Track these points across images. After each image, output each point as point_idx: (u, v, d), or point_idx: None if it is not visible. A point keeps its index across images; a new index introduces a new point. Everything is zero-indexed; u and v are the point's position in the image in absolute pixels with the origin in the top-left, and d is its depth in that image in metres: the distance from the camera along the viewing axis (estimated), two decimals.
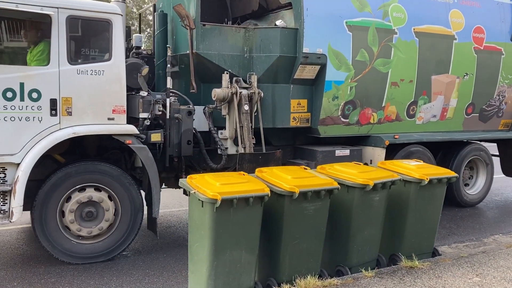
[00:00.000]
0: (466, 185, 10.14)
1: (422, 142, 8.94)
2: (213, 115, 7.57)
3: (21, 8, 5.82)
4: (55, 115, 6.07)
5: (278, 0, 7.99)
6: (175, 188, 8.08)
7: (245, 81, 7.51)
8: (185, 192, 7.77)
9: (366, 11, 8.00)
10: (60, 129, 6.10)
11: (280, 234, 5.07)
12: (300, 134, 8.34)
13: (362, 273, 5.58)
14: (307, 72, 7.70)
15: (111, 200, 6.49)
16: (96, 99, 6.29)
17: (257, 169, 5.63)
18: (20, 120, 5.91)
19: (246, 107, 7.31)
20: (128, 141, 6.44)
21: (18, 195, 5.84)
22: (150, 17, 18.98)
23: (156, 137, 6.75)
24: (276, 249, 5.12)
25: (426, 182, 5.87)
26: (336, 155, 8.04)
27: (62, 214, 6.29)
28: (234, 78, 7.41)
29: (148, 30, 24.87)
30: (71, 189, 6.26)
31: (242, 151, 7.28)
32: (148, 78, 7.41)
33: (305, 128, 8.07)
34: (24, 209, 6.03)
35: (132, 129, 6.50)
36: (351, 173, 5.61)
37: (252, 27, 7.77)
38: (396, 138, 8.47)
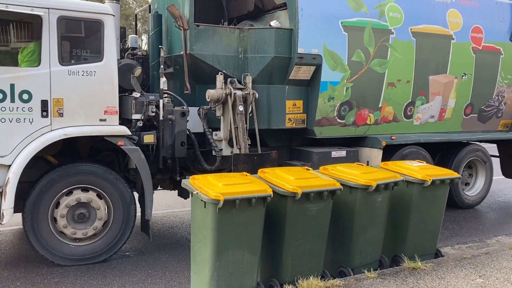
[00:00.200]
0: (467, 184, 10.29)
1: (420, 143, 9.05)
2: (207, 116, 7.65)
3: (11, 8, 5.90)
4: (46, 116, 6.14)
5: (274, 1, 8.11)
6: (170, 190, 8.18)
7: (240, 82, 7.61)
8: (179, 194, 7.97)
9: (362, 11, 8.13)
10: (51, 130, 6.17)
11: (283, 235, 5.17)
12: (297, 135, 8.44)
13: (364, 274, 5.69)
14: (302, 72, 7.81)
15: (101, 198, 6.57)
16: (87, 100, 6.36)
17: (259, 170, 5.73)
18: (10, 122, 5.97)
19: (241, 108, 7.41)
20: (120, 143, 6.53)
21: (9, 197, 5.89)
22: None
23: (149, 138, 6.84)
24: (279, 249, 5.22)
25: (429, 183, 6.00)
26: (332, 156, 8.14)
27: (55, 220, 6.36)
28: (229, 79, 7.51)
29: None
30: (58, 195, 6.33)
31: (237, 152, 7.38)
32: (142, 79, 7.50)
33: (301, 129, 8.18)
34: (16, 211, 6.11)
35: (124, 130, 6.58)
36: (354, 173, 5.72)
37: (247, 27, 7.87)
38: (393, 139, 8.58)
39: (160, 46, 7.75)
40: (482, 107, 9.80)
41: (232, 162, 7.27)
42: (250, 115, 7.62)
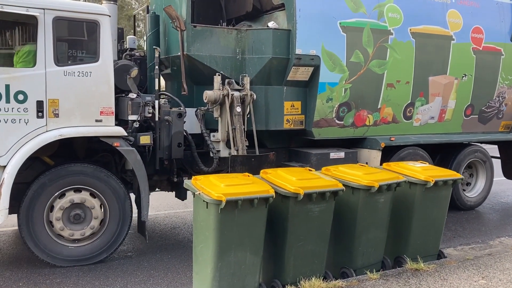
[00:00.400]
0: (468, 184, 10.42)
1: (419, 144, 9.14)
2: (205, 117, 7.75)
3: (6, 9, 5.97)
4: (42, 117, 6.22)
5: (272, 1, 8.20)
6: (168, 191, 8.28)
7: (237, 83, 7.70)
8: (177, 195, 8.05)
9: (360, 11, 8.22)
10: (47, 131, 6.26)
11: (285, 236, 5.26)
12: (295, 136, 8.53)
13: (367, 275, 5.79)
14: (300, 73, 7.90)
15: (94, 197, 6.66)
16: (83, 101, 6.45)
17: (261, 170, 5.82)
18: (6, 122, 6.05)
19: (239, 109, 7.50)
20: (116, 144, 6.62)
21: (4, 198, 5.98)
22: None
23: (145, 139, 6.94)
24: (281, 250, 5.32)
25: (432, 184, 6.10)
26: (330, 157, 8.22)
27: (51, 223, 6.45)
28: (226, 80, 7.60)
29: None
30: (51, 198, 6.41)
31: (235, 153, 7.47)
32: (139, 79, 7.59)
33: (299, 131, 8.26)
34: (12, 212, 6.21)
35: (119, 131, 6.67)
36: (356, 174, 5.82)
37: (244, 28, 7.97)
38: (392, 140, 8.68)
39: (154, 47, 7.83)
40: (483, 108, 9.89)
41: (229, 163, 7.34)
42: (248, 116, 7.70)
